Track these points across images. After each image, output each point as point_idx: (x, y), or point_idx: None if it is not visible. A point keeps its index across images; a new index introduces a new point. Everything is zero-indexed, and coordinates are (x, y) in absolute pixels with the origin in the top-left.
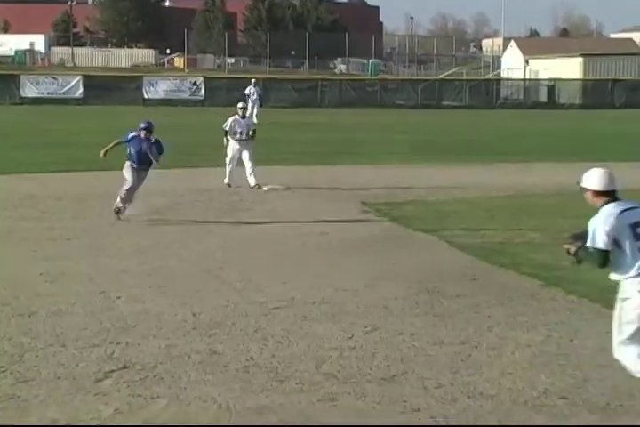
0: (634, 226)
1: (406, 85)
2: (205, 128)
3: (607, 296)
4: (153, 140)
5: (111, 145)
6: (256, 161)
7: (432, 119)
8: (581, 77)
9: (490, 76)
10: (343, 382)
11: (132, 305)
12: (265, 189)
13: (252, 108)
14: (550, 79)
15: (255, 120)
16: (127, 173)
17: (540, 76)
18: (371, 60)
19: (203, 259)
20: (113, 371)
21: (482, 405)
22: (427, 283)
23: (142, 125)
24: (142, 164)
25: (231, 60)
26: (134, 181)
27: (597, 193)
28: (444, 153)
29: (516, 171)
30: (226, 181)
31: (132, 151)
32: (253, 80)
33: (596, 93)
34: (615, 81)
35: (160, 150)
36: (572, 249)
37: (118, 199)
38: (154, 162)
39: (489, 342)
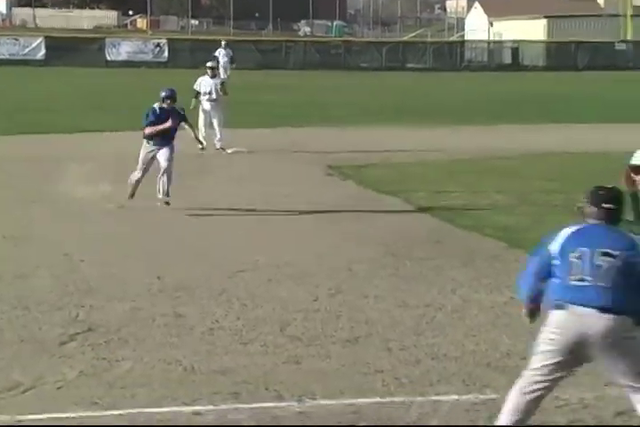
0: None
1: (370, 48)
2: None
3: None
4: (182, 112)
5: (156, 130)
6: (225, 123)
7: (396, 82)
8: (545, 39)
9: (454, 38)
10: (307, 344)
11: (96, 268)
12: (229, 151)
13: (223, 70)
14: (514, 41)
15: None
16: (142, 155)
17: (504, 38)
18: (335, 22)
19: (166, 223)
20: (77, 334)
21: (445, 366)
22: (391, 245)
23: (164, 94)
24: (164, 139)
25: (195, 22)
26: (144, 172)
27: None
28: (408, 115)
29: (480, 133)
30: (200, 146)
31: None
32: (223, 42)
33: (559, 55)
34: (579, 43)
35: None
36: None
37: (129, 191)
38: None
39: (453, 304)
